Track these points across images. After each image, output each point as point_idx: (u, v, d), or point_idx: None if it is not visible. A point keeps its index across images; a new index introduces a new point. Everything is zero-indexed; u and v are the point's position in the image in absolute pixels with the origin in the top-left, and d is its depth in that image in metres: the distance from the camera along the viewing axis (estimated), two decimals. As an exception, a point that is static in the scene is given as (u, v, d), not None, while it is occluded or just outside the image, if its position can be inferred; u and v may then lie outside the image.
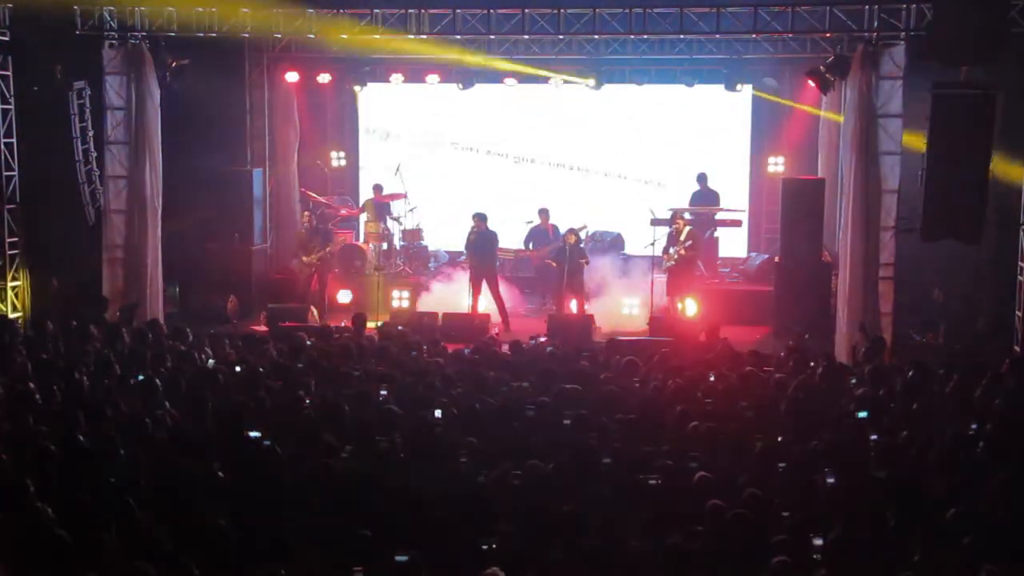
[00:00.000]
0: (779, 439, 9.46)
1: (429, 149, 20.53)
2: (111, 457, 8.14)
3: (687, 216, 17.44)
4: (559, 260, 16.67)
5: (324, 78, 19.46)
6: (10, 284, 15.47)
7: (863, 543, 7.00)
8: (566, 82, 18.66)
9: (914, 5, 14.00)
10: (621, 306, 16.59)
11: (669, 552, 6.78)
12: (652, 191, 19.60)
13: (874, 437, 9.60)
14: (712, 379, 11.49)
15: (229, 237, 17.87)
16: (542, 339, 14.39)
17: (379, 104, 20.71)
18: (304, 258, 17.18)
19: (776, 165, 19.20)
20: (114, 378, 10.94)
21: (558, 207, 18.95)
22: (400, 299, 17.01)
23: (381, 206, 19.22)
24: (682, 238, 16.15)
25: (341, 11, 15.45)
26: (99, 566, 6.47)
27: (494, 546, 7.00)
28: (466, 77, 19.25)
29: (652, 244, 16.77)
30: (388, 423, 9.40)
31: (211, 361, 12.26)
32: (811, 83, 16.43)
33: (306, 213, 18.08)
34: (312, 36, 16.42)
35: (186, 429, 9.31)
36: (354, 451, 8.85)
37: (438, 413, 9.91)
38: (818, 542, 7.06)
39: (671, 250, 16.19)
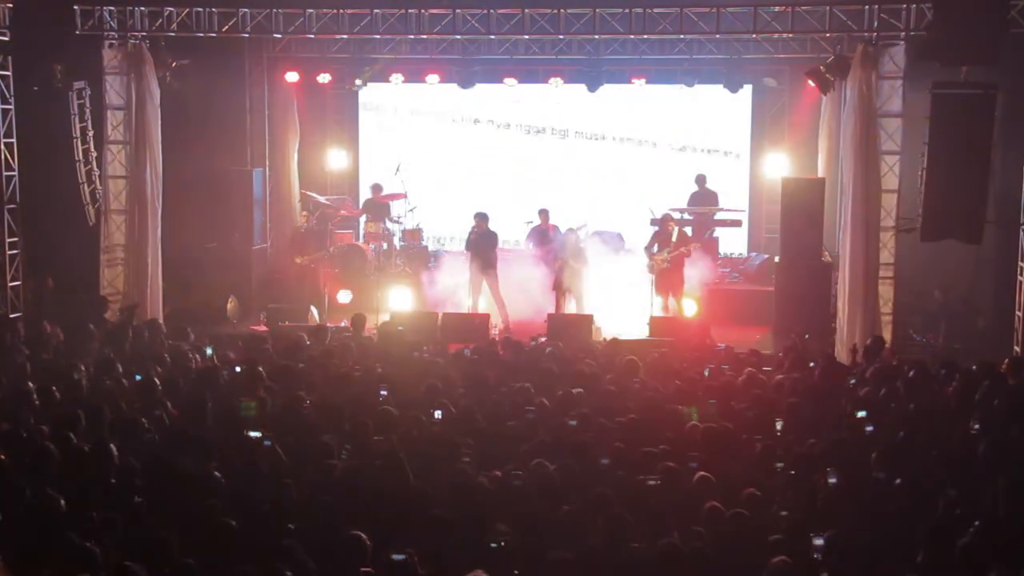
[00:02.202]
0: (779, 439, 9.46)
1: (429, 148, 20.53)
2: (110, 457, 8.13)
3: (678, 217, 17.43)
4: (559, 260, 16.65)
5: (324, 78, 19.46)
6: (10, 284, 15.46)
7: (863, 543, 7.00)
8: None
9: (914, 5, 13.99)
10: (621, 306, 16.57)
11: (669, 552, 6.77)
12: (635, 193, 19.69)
13: (870, 431, 9.62)
14: (709, 377, 11.50)
15: (229, 237, 17.86)
16: (542, 339, 14.38)
17: (379, 104, 20.70)
18: (297, 259, 17.18)
19: (776, 165, 19.18)
20: (114, 378, 10.94)
21: (558, 207, 18.95)
22: (400, 299, 16.98)
23: (381, 206, 19.21)
24: (674, 239, 16.13)
25: (341, 11, 15.45)
26: (97, 567, 6.46)
27: (493, 546, 6.99)
28: (466, 77, 19.25)
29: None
30: (388, 424, 9.39)
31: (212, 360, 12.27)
32: (811, 83, 16.44)
33: (304, 213, 18.07)
34: (312, 36, 16.41)
35: (185, 429, 9.31)
36: (354, 452, 8.85)
37: (438, 414, 9.90)
38: (818, 542, 7.05)
39: (655, 249, 16.14)
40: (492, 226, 17.05)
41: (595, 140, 20.27)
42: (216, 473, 8.05)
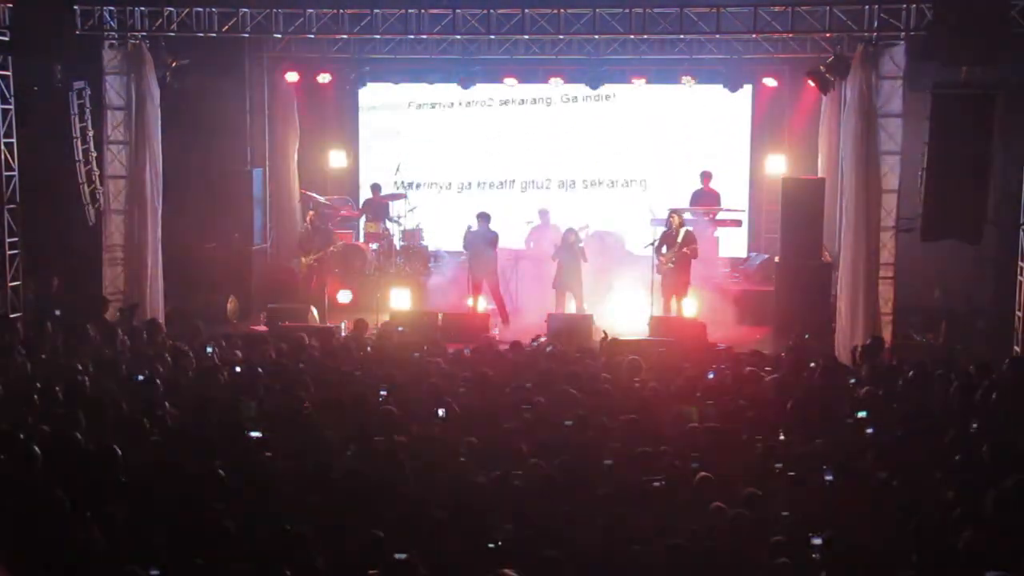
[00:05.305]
0: (779, 439, 9.46)
1: (429, 149, 20.52)
2: (111, 457, 8.13)
3: (684, 216, 17.40)
4: (559, 260, 16.66)
5: (324, 78, 19.46)
6: (10, 284, 15.46)
7: (862, 543, 7.00)
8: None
9: (914, 5, 14.00)
10: (621, 306, 16.57)
11: (668, 553, 6.78)
12: (636, 193, 19.67)
13: (870, 432, 9.63)
14: (711, 378, 11.51)
15: (229, 237, 17.86)
16: (542, 339, 14.39)
17: (379, 104, 20.69)
18: (303, 259, 17.19)
19: (776, 165, 19.18)
20: (115, 378, 10.94)
21: (558, 207, 18.96)
22: (400, 299, 16.98)
23: (380, 206, 19.21)
24: (679, 239, 16.11)
25: (341, 11, 15.45)
26: (96, 567, 6.47)
27: (494, 546, 7.00)
28: (466, 77, 19.25)
29: (652, 244, 16.75)
30: (388, 424, 9.39)
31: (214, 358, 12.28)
32: (811, 83, 16.44)
33: (310, 213, 18.10)
34: (312, 36, 16.41)
35: (186, 428, 9.32)
36: (354, 452, 8.85)
37: (441, 412, 9.90)
38: (818, 542, 7.06)
39: (663, 249, 16.11)
40: (493, 226, 17.05)
41: (595, 140, 20.23)
42: (221, 472, 8.05)
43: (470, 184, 20.45)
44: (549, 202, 19.24)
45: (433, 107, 20.33)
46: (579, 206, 19.56)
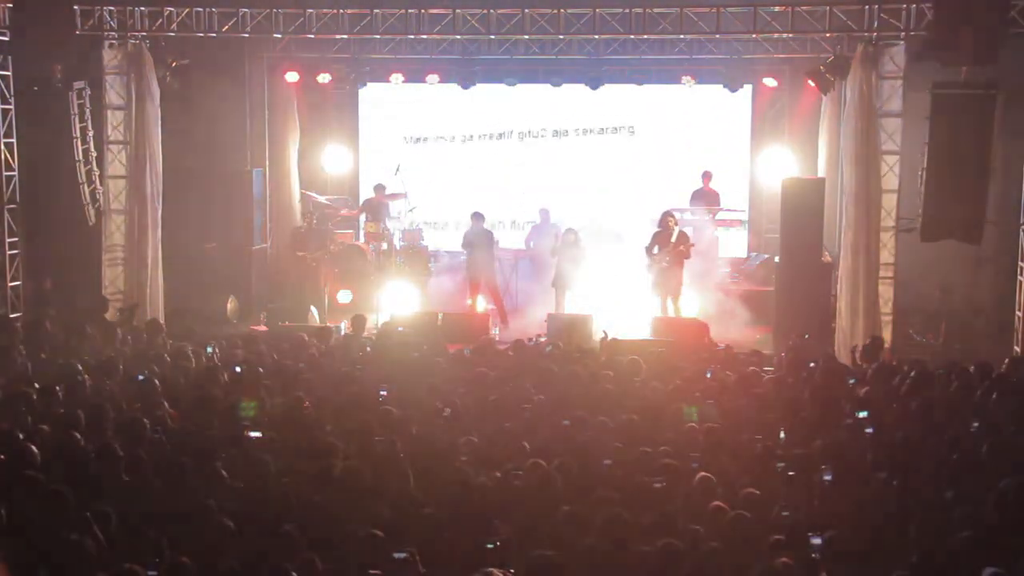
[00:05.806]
0: (779, 439, 9.47)
1: (429, 149, 20.51)
2: (111, 457, 8.13)
3: (684, 216, 17.41)
4: (558, 259, 16.65)
5: (324, 78, 19.45)
6: (10, 284, 15.46)
7: (863, 543, 7.00)
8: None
9: (914, 5, 14.01)
10: (621, 306, 16.55)
11: (668, 552, 6.77)
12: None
13: (870, 432, 9.63)
14: (709, 377, 11.51)
15: (229, 237, 17.86)
16: (542, 338, 14.38)
17: (379, 104, 20.67)
18: (299, 253, 17.18)
19: (776, 165, 19.13)
20: (115, 378, 10.94)
21: (558, 206, 18.96)
22: (400, 299, 16.97)
23: (381, 206, 19.20)
24: (673, 239, 16.09)
25: (341, 11, 15.45)
26: (96, 567, 6.47)
27: (493, 546, 7.00)
28: (466, 77, 19.26)
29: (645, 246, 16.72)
30: (388, 424, 9.39)
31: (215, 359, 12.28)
32: (811, 83, 16.43)
33: (308, 216, 18.06)
34: (312, 36, 16.42)
35: (186, 428, 9.32)
36: (354, 451, 8.84)
37: (447, 411, 9.90)
38: (818, 542, 7.06)
39: (656, 250, 16.08)
40: (493, 225, 17.06)
41: (595, 140, 20.22)
42: (223, 472, 8.06)
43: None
44: (549, 201, 19.17)
45: (433, 104, 20.34)
46: (579, 205, 19.55)
